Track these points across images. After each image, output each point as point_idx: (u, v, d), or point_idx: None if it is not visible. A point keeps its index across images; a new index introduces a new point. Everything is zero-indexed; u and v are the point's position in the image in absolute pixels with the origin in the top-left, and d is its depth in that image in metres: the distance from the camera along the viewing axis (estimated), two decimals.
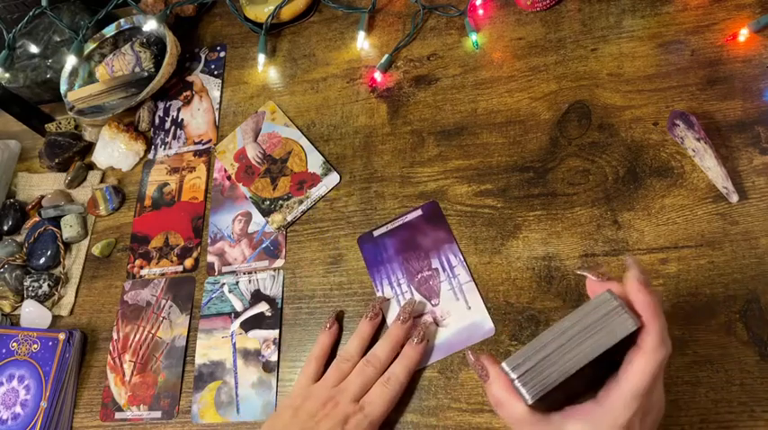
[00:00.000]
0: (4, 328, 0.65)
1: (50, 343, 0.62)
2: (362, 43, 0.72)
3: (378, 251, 0.59)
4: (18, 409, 0.60)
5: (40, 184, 0.77)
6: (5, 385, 0.62)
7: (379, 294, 0.57)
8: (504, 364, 0.35)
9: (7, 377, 0.62)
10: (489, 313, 0.53)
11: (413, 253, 0.58)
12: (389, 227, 0.60)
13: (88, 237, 0.71)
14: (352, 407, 0.49)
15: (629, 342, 0.34)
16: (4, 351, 0.63)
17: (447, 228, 0.58)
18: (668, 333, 0.35)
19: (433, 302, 0.55)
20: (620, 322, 0.33)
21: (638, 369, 0.33)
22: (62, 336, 0.62)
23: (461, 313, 0.54)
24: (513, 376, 0.34)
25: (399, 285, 0.57)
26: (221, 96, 0.76)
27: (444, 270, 0.56)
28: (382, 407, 0.49)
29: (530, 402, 0.34)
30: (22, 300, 0.68)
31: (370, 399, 0.49)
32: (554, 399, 0.36)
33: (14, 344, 0.63)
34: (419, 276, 0.57)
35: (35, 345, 0.62)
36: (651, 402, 0.35)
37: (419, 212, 0.60)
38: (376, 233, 0.60)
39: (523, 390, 0.34)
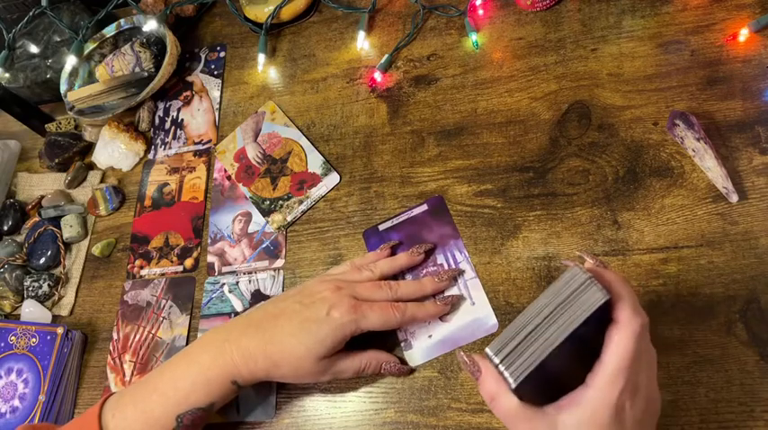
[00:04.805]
0: (3, 322, 0.65)
1: (48, 337, 0.62)
2: (362, 43, 0.72)
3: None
4: (16, 403, 0.60)
5: (40, 184, 0.77)
6: (4, 379, 0.62)
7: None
8: (487, 350, 0.35)
9: (6, 370, 0.62)
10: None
11: None
12: (395, 221, 0.60)
13: (88, 237, 0.71)
14: (349, 301, 0.49)
15: (607, 324, 0.35)
16: (2, 344, 0.63)
17: (452, 223, 0.58)
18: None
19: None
20: (590, 294, 0.34)
21: (617, 341, 0.34)
22: (60, 331, 0.62)
23: (465, 309, 0.54)
24: (497, 361, 0.34)
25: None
26: (221, 96, 0.76)
27: (449, 265, 0.56)
28: (375, 322, 0.49)
29: (513, 386, 0.34)
30: (22, 300, 0.68)
31: (370, 308, 0.49)
32: (546, 392, 0.36)
33: (13, 337, 0.63)
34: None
35: (33, 339, 0.62)
36: (638, 381, 0.35)
37: (425, 207, 0.60)
38: (381, 227, 0.60)
39: (507, 374, 0.34)
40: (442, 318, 0.54)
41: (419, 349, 0.53)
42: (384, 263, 0.55)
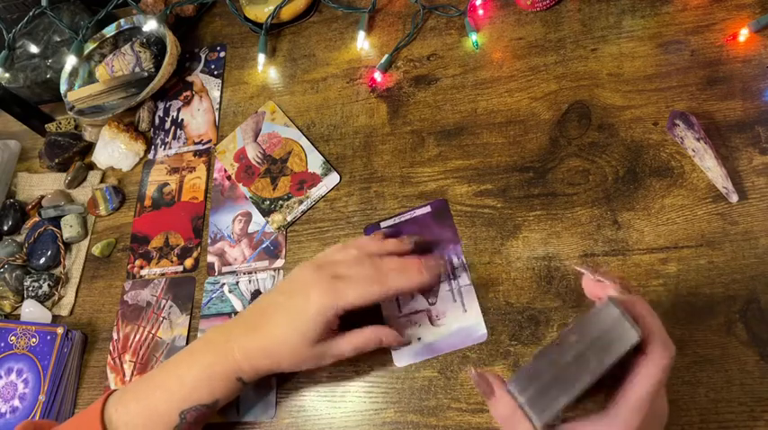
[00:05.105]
0: (3, 322, 0.65)
1: (48, 337, 0.62)
2: (362, 43, 0.72)
3: None
4: (16, 403, 0.60)
5: (40, 184, 0.77)
6: (4, 378, 0.62)
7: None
8: (510, 387, 0.34)
9: (6, 370, 0.62)
10: (488, 315, 0.53)
11: (417, 249, 0.58)
12: (397, 220, 0.60)
13: (88, 237, 0.71)
14: (327, 281, 0.48)
15: (633, 351, 0.34)
16: (2, 344, 0.63)
17: (453, 228, 0.58)
18: (668, 333, 0.35)
19: (430, 301, 0.55)
20: (623, 332, 0.33)
21: (645, 374, 0.34)
22: (60, 331, 0.62)
23: (457, 315, 0.54)
24: (522, 400, 0.34)
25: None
26: (221, 96, 0.76)
27: (446, 270, 0.56)
28: (355, 297, 0.48)
29: (539, 427, 0.33)
30: (22, 300, 0.68)
31: (348, 285, 0.48)
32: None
33: (13, 337, 0.63)
34: None
35: (33, 339, 0.62)
36: (655, 407, 0.35)
37: (427, 209, 0.60)
38: (383, 225, 0.60)
39: (532, 414, 0.33)
40: (432, 322, 0.54)
41: (407, 351, 0.54)
42: (372, 244, 0.53)
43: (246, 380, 0.49)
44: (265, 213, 0.65)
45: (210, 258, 0.65)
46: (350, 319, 0.50)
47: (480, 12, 0.68)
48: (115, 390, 0.51)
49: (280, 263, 0.62)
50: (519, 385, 0.34)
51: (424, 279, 0.50)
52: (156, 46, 0.79)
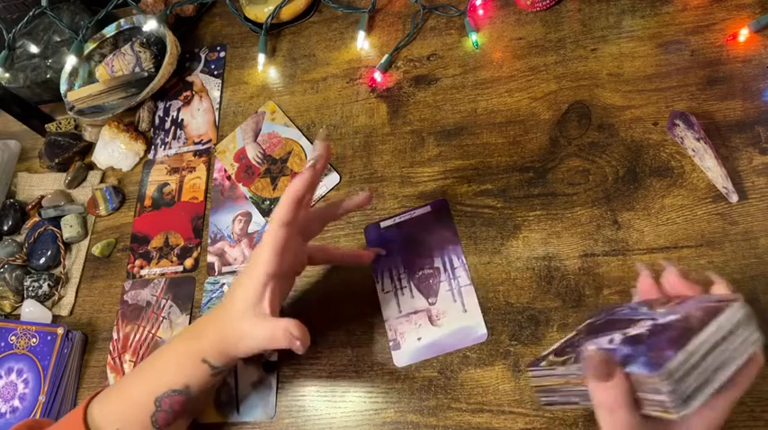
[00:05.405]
0: (3, 322, 0.65)
1: (49, 337, 0.62)
2: (362, 43, 0.72)
3: (382, 242, 0.59)
4: (16, 403, 0.60)
5: (40, 184, 0.77)
6: (4, 378, 0.62)
7: (378, 286, 0.57)
8: (656, 374, 0.32)
9: (6, 370, 0.62)
10: (488, 314, 0.53)
11: (416, 249, 0.58)
12: (397, 220, 0.60)
13: (88, 237, 0.71)
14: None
15: None
16: (2, 344, 0.63)
17: (453, 228, 0.58)
18: None
19: (430, 301, 0.55)
20: (752, 332, 0.34)
21: (749, 376, 0.35)
22: (60, 331, 0.62)
23: (457, 315, 0.54)
24: (667, 388, 0.32)
25: (399, 279, 0.57)
26: (221, 96, 0.76)
27: (446, 270, 0.56)
28: (276, 216, 0.46)
29: (677, 416, 0.32)
30: (22, 300, 0.68)
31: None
32: None
33: (13, 337, 0.63)
34: (420, 273, 0.57)
35: (34, 339, 0.62)
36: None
37: (428, 209, 0.60)
38: (383, 224, 0.60)
39: (673, 403, 0.32)
40: (432, 322, 0.54)
41: (407, 350, 0.54)
42: (276, 209, 0.48)
43: (214, 363, 0.48)
44: (265, 213, 0.65)
45: (210, 258, 0.65)
46: (348, 318, 0.49)
47: (480, 12, 0.68)
48: (104, 388, 0.51)
49: None
50: (669, 374, 0.32)
51: (306, 174, 0.47)
52: (156, 46, 0.79)
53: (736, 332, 0.34)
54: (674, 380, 0.32)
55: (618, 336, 0.37)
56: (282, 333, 0.46)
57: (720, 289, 0.38)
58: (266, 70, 0.75)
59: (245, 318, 0.47)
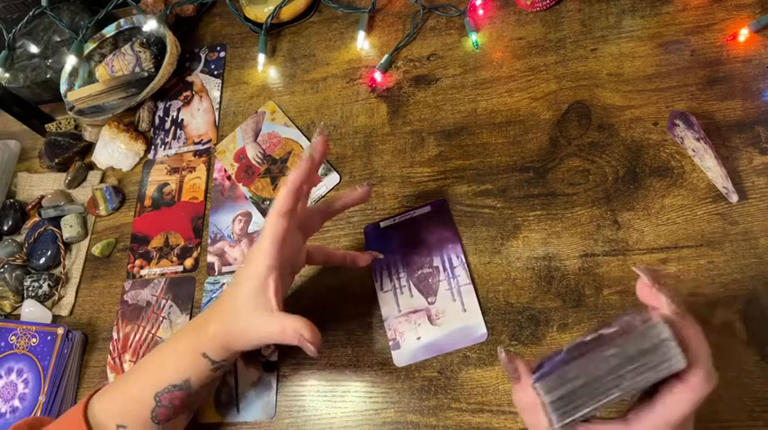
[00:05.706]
0: (3, 322, 0.65)
1: (49, 337, 0.62)
2: (362, 43, 0.72)
3: (382, 242, 0.59)
4: (17, 403, 0.60)
5: (40, 184, 0.77)
6: (4, 378, 0.62)
7: (377, 285, 0.57)
8: (537, 385, 0.34)
9: (6, 370, 0.62)
10: (488, 314, 0.53)
11: (416, 248, 0.58)
12: (397, 220, 0.60)
13: (88, 237, 0.71)
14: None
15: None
16: (2, 344, 0.63)
17: (453, 227, 0.58)
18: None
19: (429, 300, 0.55)
20: (670, 357, 0.32)
21: (679, 400, 0.32)
22: (60, 331, 0.62)
23: (456, 314, 0.54)
24: (546, 400, 0.33)
25: (399, 278, 0.57)
26: (221, 96, 0.76)
27: (445, 269, 0.56)
28: (276, 207, 0.47)
29: (556, 427, 0.33)
30: (22, 300, 0.68)
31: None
32: None
33: (13, 337, 0.63)
34: (419, 272, 0.57)
35: (34, 339, 0.62)
36: None
37: (427, 208, 0.60)
38: (383, 224, 0.60)
39: (553, 415, 0.33)
40: (431, 321, 0.54)
41: (407, 350, 0.54)
42: (276, 202, 0.48)
43: (213, 357, 0.48)
44: (265, 213, 0.65)
45: (210, 258, 0.65)
46: (348, 318, 0.49)
47: (480, 12, 0.68)
48: (105, 384, 0.51)
49: None
50: (546, 385, 0.34)
51: (300, 167, 0.47)
52: (156, 46, 0.79)
53: (644, 356, 0.32)
54: (555, 391, 0.33)
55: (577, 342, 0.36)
56: (292, 333, 0.45)
57: (663, 306, 0.34)
58: (266, 70, 0.75)
59: (250, 310, 0.46)
